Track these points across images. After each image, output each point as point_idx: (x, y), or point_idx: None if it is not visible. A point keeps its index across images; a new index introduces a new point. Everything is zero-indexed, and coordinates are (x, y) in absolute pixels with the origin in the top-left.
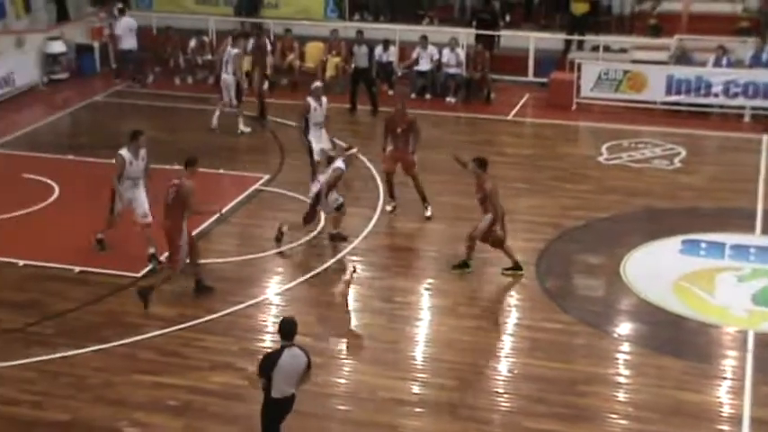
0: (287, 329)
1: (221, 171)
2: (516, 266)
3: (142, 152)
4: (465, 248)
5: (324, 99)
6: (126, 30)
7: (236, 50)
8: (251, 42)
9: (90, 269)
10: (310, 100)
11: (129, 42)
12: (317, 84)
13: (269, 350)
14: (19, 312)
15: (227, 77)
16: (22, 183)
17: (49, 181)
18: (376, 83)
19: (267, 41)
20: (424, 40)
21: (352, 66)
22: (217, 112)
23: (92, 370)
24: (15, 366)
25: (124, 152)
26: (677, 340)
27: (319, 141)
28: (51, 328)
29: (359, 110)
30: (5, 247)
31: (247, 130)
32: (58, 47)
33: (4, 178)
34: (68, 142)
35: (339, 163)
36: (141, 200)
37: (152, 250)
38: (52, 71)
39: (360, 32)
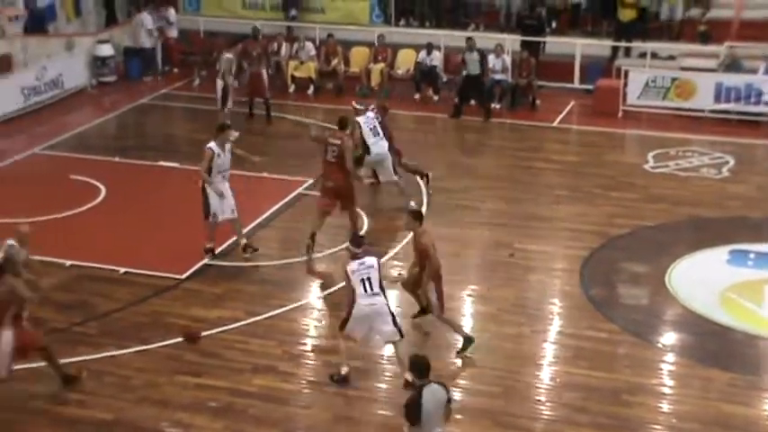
0: (421, 367)
1: (265, 174)
2: (423, 311)
3: (228, 145)
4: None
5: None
6: (141, 27)
7: (228, 55)
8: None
9: (134, 270)
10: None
11: (146, 41)
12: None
13: (408, 397)
14: (65, 312)
15: (218, 82)
16: (69, 184)
17: (95, 182)
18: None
19: (283, 45)
20: (470, 41)
21: (464, 73)
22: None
23: (135, 370)
24: (62, 365)
25: (212, 145)
26: (723, 352)
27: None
28: (96, 328)
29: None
30: (53, 247)
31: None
32: (106, 50)
33: (52, 179)
34: (115, 144)
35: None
36: (229, 194)
37: (210, 245)
38: (101, 74)
39: (470, 39)
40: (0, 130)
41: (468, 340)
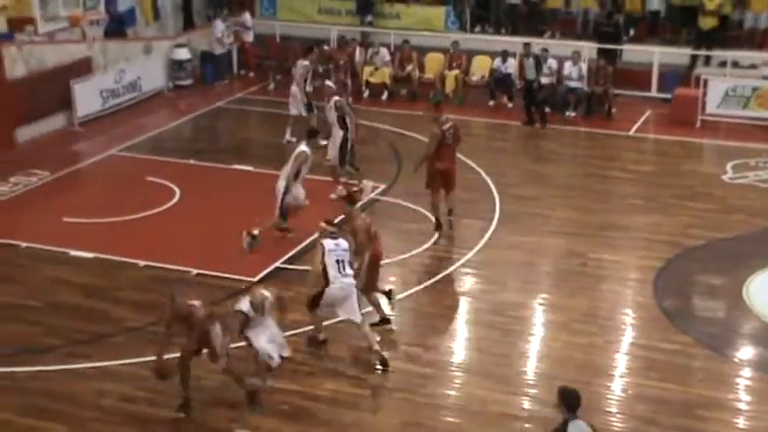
0: (571, 400)
1: (342, 179)
2: (383, 320)
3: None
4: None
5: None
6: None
7: (304, 62)
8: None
9: (207, 272)
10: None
11: (217, 47)
12: None
13: (553, 428)
14: (140, 312)
15: (294, 89)
16: (145, 185)
17: (170, 184)
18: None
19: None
20: (544, 52)
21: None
22: (289, 127)
23: (207, 371)
24: (134, 364)
25: (305, 148)
26: None
27: None
28: None
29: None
30: (128, 247)
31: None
32: (183, 54)
33: (128, 181)
34: (190, 147)
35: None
36: (301, 190)
37: (256, 232)
38: (177, 77)
39: (527, 44)
40: (80, 132)
41: (385, 321)
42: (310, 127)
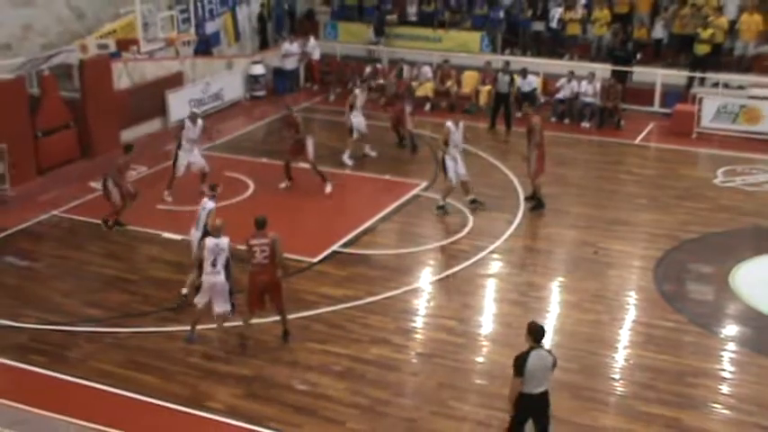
0: (535, 334)
1: (387, 177)
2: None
3: (461, 125)
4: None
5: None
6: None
7: (357, 91)
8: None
9: None
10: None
11: (284, 64)
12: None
13: (518, 353)
14: None
15: (352, 118)
16: (224, 180)
17: (246, 179)
18: (512, 106)
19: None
20: (571, 75)
21: (495, 90)
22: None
23: (273, 336)
24: (214, 328)
25: (450, 123)
26: None
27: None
28: (242, 299)
29: (497, 129)
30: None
31: (373, 154)
32: (259, 69)
33: (210, 175)
34: (263, 148)
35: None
36: (461, 162)
37: (442, 203)
38: (253, 89)
39: (507, 63)
40: (171, 134)
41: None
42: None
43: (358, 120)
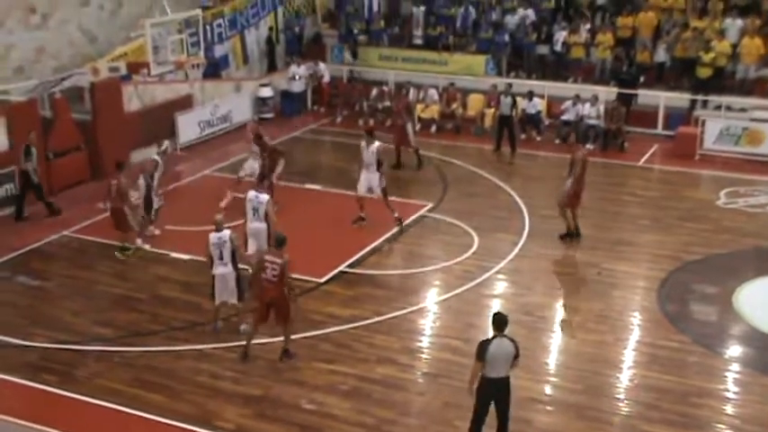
0: (498, 323)
1: (392, 198)
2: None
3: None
4: None
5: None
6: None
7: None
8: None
9: None
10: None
11: (291, 86)
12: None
13: (483, 339)
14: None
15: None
16: (233, 200)
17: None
18: (516, 128)
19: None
20: (576, 98)
21: (498, 113)
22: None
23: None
24: (223, 348)
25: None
26: None
27: None
28: (251, 319)
29: (502, 150)
30: None
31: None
32: (266, 92)
33: (219, 196)
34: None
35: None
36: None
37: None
38: (261, 111)
39: (509, 85)
40: (181, 155)
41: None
42: None
43: None
